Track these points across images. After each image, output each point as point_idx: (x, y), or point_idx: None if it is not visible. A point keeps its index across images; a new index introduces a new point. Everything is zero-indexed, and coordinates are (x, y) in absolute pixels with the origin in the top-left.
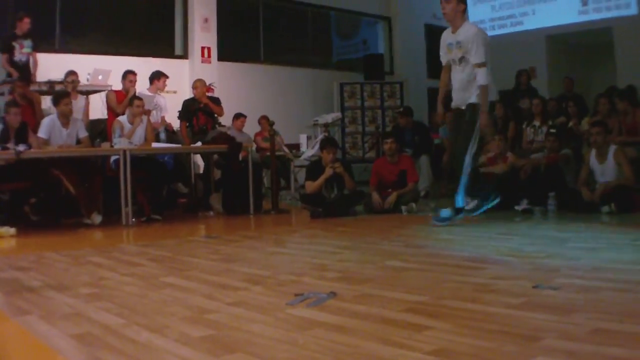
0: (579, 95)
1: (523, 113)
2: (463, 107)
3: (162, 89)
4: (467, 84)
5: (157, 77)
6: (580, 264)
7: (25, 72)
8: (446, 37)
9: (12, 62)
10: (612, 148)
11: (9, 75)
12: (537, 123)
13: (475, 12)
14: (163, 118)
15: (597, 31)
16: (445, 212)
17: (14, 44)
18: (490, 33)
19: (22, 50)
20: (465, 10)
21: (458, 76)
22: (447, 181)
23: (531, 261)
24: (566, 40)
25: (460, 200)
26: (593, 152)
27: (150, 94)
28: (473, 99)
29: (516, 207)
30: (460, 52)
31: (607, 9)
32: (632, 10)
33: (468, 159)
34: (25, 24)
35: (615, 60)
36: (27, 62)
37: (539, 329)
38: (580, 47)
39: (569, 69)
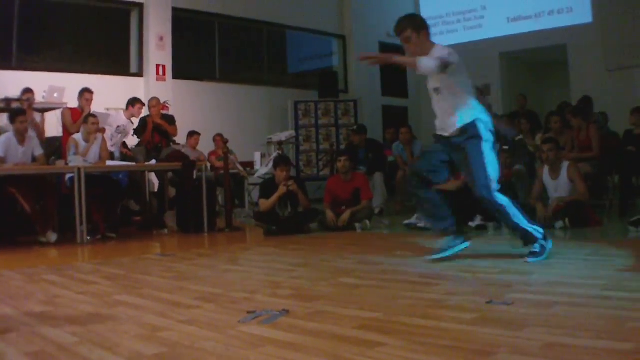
0: (532, 111)
1: None
2: (446, 134)
3: (136, 115)
4: (452, 109)
5: (131, 103)
6: (533, 279)
7: None
8: None
9: None
10: (565, 164)
11: None
12: None
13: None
14: (124, 143)
15: (551, 48)
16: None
17: None
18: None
19: None
20: (428, 35)
21: (439, 105)
22: (401, 198)
23: (485, 277)
24: (520, 57)
25: (532, 235)
26: (546, 169)
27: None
28: (464, 120)
29: (470, 224)
30: (434, 82)
31: (560, 14)
32: (587, 19)
33: (495, 187)
34: None
35: (569, 77)
36: None
37: (492, 344)
38: (534, 64)
39: (523, 85)
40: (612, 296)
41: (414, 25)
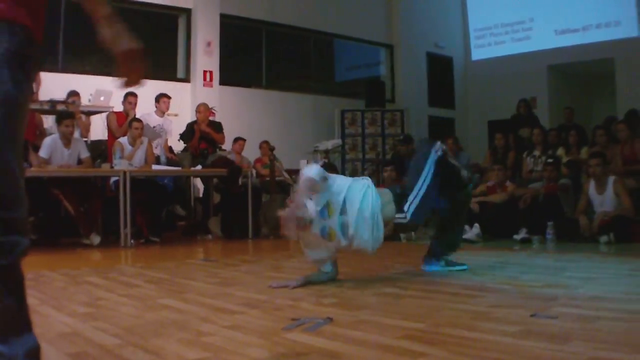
0: (579, 125)
1: (523, 142)
2: None
3: (165, 110)
4: None
5: (157, 100)
6: (577, 293)
7: None
8: None
9: None
10: (611, 179)
11: None
12: (537, 153)
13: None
14: (166, 141)
15: (598, 61)
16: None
17: None
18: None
19: None
20: None
21: None
22: None
23: (529, 290)
24: (567, 70)
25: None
26: (592, 183)
27: (156, 117)
28: None
29: (515, 237)
30: None
31: (607, 27)
32: (634, 32)
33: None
34: None
35: (616, 90)
36: None
37: (535, 357)
38: (581, 77)
39: (570, 98)
40: None
41: None
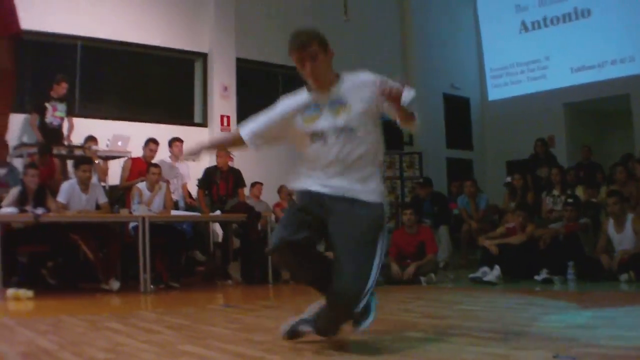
0: (596, 163)
1: (541, 182)
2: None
3: (178, 154)
4: (358, 166)
5: (169, 144)
6: (598, 333)
7: (54, 135)
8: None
9: (42, 124)
10: (630, 217)
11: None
12: (556, 192)
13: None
14: (184, 185)
15: (614, 98)
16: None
17: (47, 105)
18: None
19: (54, 113)
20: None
21: (334, 151)
22: (466, 252)
23: (550, 331)
24: (584, 107)
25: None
26: (611, 222)
27: (171, 162)
28: (375, 197)
29: (536, 277)
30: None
31: (623, 63)
32: None
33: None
34: (62, 88)
35: (632, 127)
36: (60, 126)
37: None
38: (598, 114)
39: (586, 136)
40: None
41: (321, 39)
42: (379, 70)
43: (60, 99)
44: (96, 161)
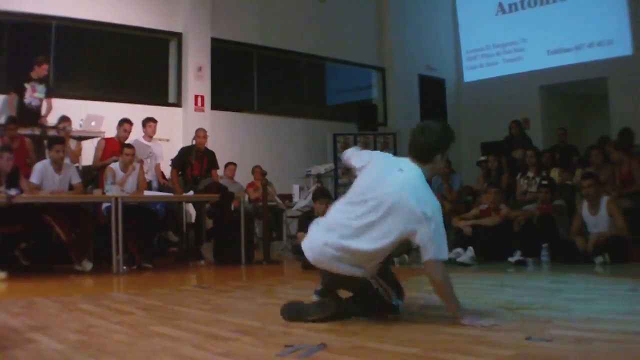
0: (572, 145)
1: (516, 164)
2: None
3: (151, 134)
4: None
5: (143, 123)
6: (572, 315)
7: (32, 115)
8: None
9: (21, 104)
10: (604, 199)
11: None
12: (531, 174)
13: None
14: (158, 166)
15: (591, 81)
16: None
17: (27, 85)
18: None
19: (33, 94)
20: None
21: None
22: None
23: (524, 313)
24: (560, 90)
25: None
26: (585, 204)
27: (145, 142)
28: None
29: (509, 259)
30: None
31: (600, 46)
32: (627, 51)
33: None
34: (43, 70)
35: (609, 110)
36: (38, 107)
37: None
38: (574, 98)
39: (563, 119)
40: None
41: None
42: (355, 51)
43: (40, 80)
44: (69, 143)
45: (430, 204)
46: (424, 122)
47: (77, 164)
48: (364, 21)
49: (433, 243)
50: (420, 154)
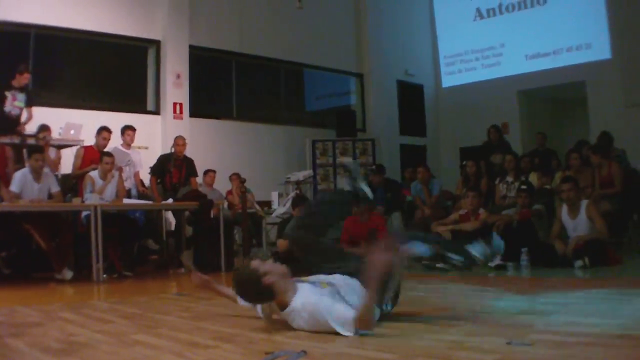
0: (551, 150)
1: (494, 168)
2: None
3: (130, 142)
4: None
5: (122, 131)
6: (553, 319)
7: (10, 124)
8: None
9: (1, 112)
10: (584, 203)
11: None
12: (510, 179)
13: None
14: (137, 173)
15: (570, 85)
16: None
17: (7, 94)
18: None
19: (13, 103)
20: None
21: None
22: None
23: (504, 318)
24: (538, 94)
25: None
26: (564, 208)
27: (124, 150)
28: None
29: (489, 264)
30: None
31: (579, 50)
32: (606, 55)
33: None
34: (24, 79)
35: (588, 114)
36: (18, 115)
37: None
38: (553, 102)
39: (542, 123)
40: (632, 335)
41: None
42: (333, 57)
43: (21, 89)
44: (48, 152)
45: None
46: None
47: (56, 173)
48: (342, 27)
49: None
50: None
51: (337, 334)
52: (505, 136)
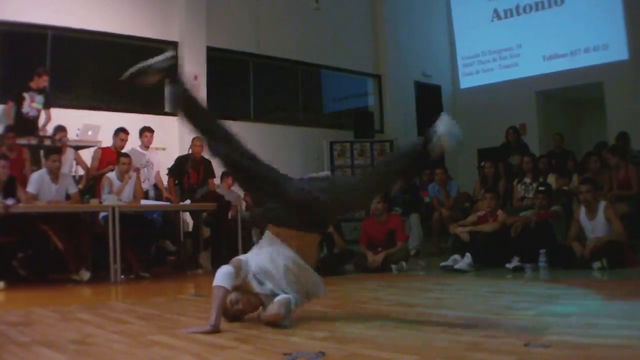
0: (569, 151)
1: (513, 170)
2: None
3: (148, 144)
4: None
5: (140, 133)
6: (570, 321)
7: (29, 125)
8: None
9: (19, 114)
10: (602, 204)
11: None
12: (527, 180)
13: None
14: (157, 173)
15: (587, 86)
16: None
17: (25, 95)
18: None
19: (31, 104)
20: None
21: None
22: (437, 240)
23: (522, 319)
24: (556, 95)
25: None
26: (582, 209)
27: (141, 151)
28: None
29: (507, 265)
30: None
31: (596, 51)
32: (623, 55)
33: None
34: (43, 81)
35: (605, 115)
36: (36, 117)
37: None
38: (570, 103)
39: (559, 124)
40: None
41: None
42: (351, 58)
43: (39, 91)
44: (66, 153)
45: None
46: None
47: (81, 173)
48: (360, 28)
49: None
50: None
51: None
52: (523, 137)
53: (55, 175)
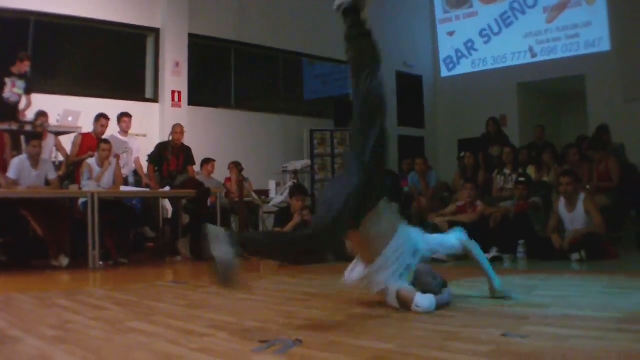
0: (550, 143)
1: (492, 161)
2: None
3: (126, 129)
4: None
5: (118, 119)
6: (549, 311)
7: (9, 110)
8: None
9: (0, 98)
10: (581, 196)
11: None
12: (507, 171)
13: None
14: (137, 159)
15: (569, 78)
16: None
17: (6, 80)
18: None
19: (12, 90)
20: None
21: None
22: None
23: (500, 309)
24: (538, 87)
25: None
26: (562, 201)
27: (121, 138)
28: None
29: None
30: None
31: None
32: (605, 47)
33: None
34: (25, 66)
35: (586, 107)
36: (17, 102)
37: None
38: (552, 95)
39: (540, 116)
40: (628, 329)
41: None
42: (332, 47)
43: (20, 76)
44: (47, 137)
45: None
46: None
47: (54, 160)
48: (339, 17)
49: None
50: None
51: None
52: (504, 129)
53: (35, 160)
